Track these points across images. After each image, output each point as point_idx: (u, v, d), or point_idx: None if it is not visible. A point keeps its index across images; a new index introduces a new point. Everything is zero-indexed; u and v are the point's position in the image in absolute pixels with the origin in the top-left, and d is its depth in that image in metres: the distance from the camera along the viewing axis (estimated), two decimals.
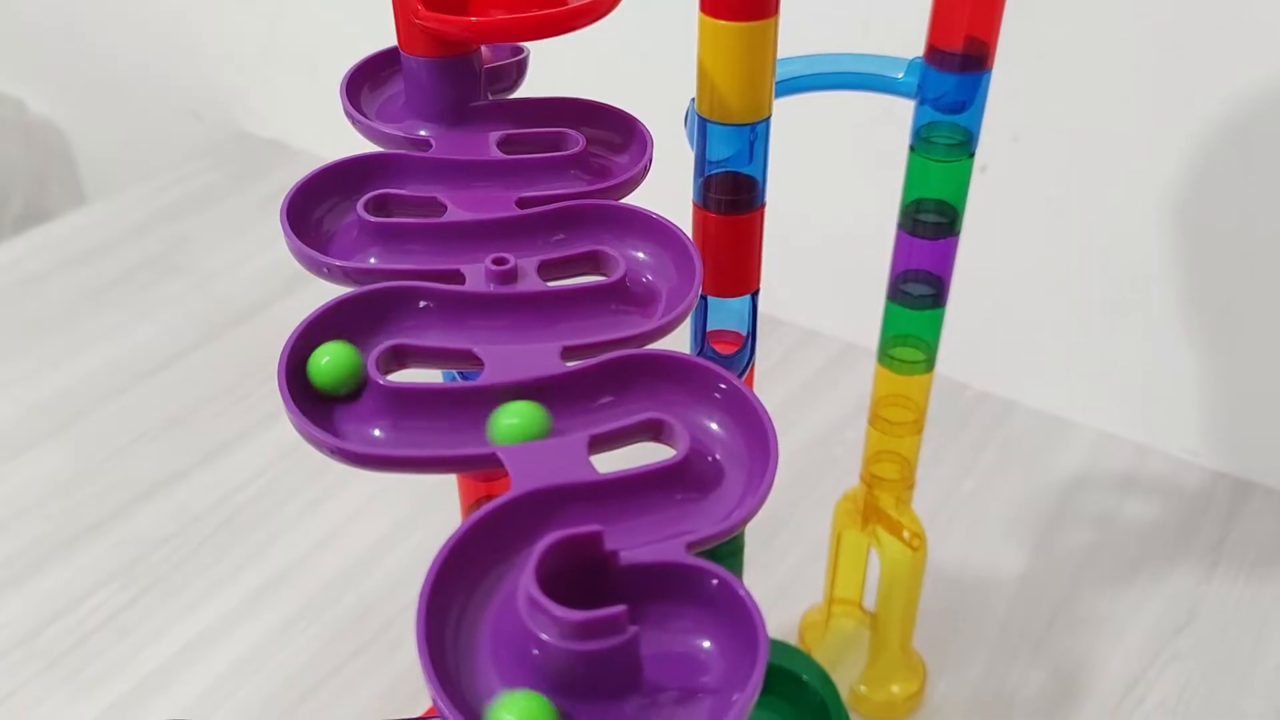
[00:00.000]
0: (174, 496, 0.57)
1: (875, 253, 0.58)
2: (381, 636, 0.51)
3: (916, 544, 0.45)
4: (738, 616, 0.20)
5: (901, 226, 0.40)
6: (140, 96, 0.92)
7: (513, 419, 0.23)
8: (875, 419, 0.44)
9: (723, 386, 0.23)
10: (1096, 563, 0.54)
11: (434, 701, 0.19)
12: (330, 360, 0.23)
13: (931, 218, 0.39)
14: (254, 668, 0.49)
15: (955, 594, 0.53)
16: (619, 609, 0.19)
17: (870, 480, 0.45)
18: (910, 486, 0.45)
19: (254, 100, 0.86)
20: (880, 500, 0.45)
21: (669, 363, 0.23)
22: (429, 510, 0.57)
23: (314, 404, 0.23)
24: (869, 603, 0.50)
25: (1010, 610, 0.52)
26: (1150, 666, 0.50)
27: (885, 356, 0.42)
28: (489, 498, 0.40)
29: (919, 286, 0.41)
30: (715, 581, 0.20)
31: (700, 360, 0.23)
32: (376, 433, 0.23)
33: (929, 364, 0.42)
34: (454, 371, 0.30)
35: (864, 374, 0.63)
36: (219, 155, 0.86)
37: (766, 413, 0.23)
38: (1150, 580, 0.54)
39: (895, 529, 0.45)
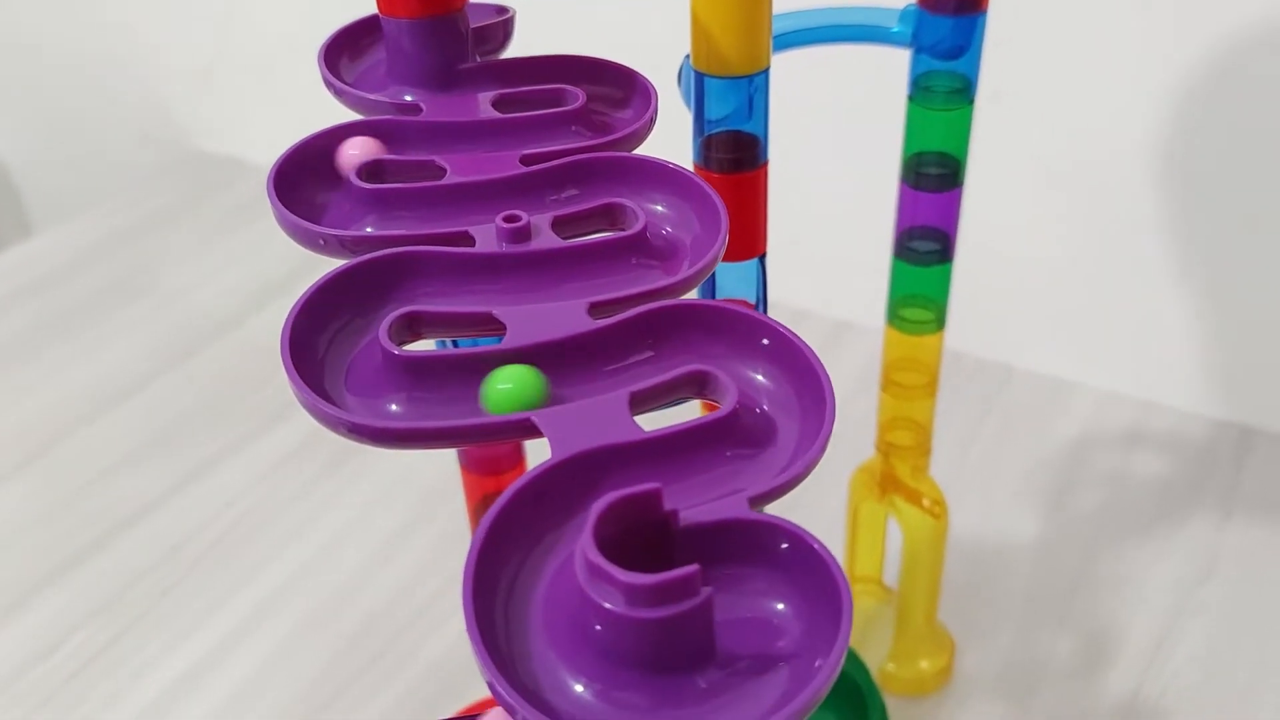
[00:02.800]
0: (154, 524, 0.55)
1: (860, 230, 0.57)
2: (387, 652, 0.49)
3: (938, 511, 0.43)
4: (814, 574, 0.19)
5: (904, 180, 0.38)
6: (84, 123, 0.89)
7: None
8: (888, 384, 0.42)
9: (768, 334, 0.22)
10: (1111, 522, 0.53)
11: (491, 687, 0.17)
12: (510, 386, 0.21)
13: (934, 170, 0.38)
14: (255, 695, 0.47)
15: (974, 565, 0.51)
16: (691, 568, 0.17)
17: (886, 449, 0.43)
18: (926, 453, 0.44)
19: (205, 117, 0.84)
20: (897, 469, 0.44)
21: (708, 313, 0.22)
22: (425, 519, 0.55)
23: (321, 381, 0.21)
24: (889, 580, 0.48)
25: (1031, 577, 0.51)
26: (1176, 621, 0.49)
27: (894, 317, 0.41)
28: (496, 494, 0.38)
29: (925, 243, 0.39)
30: (787, 537, 0.19)
31: (742, 309, 0.22)
32: (393, 407, 0.21)
33: (939, 323, 0.41)
34: (444, 340, 0.28)
35: (858, 351, 0.62)
36: (172, 175, 0.83)
37: (817, 357, 0.21)
38: (1166, 535, 0.52)
39: (914, 498, 0.43)
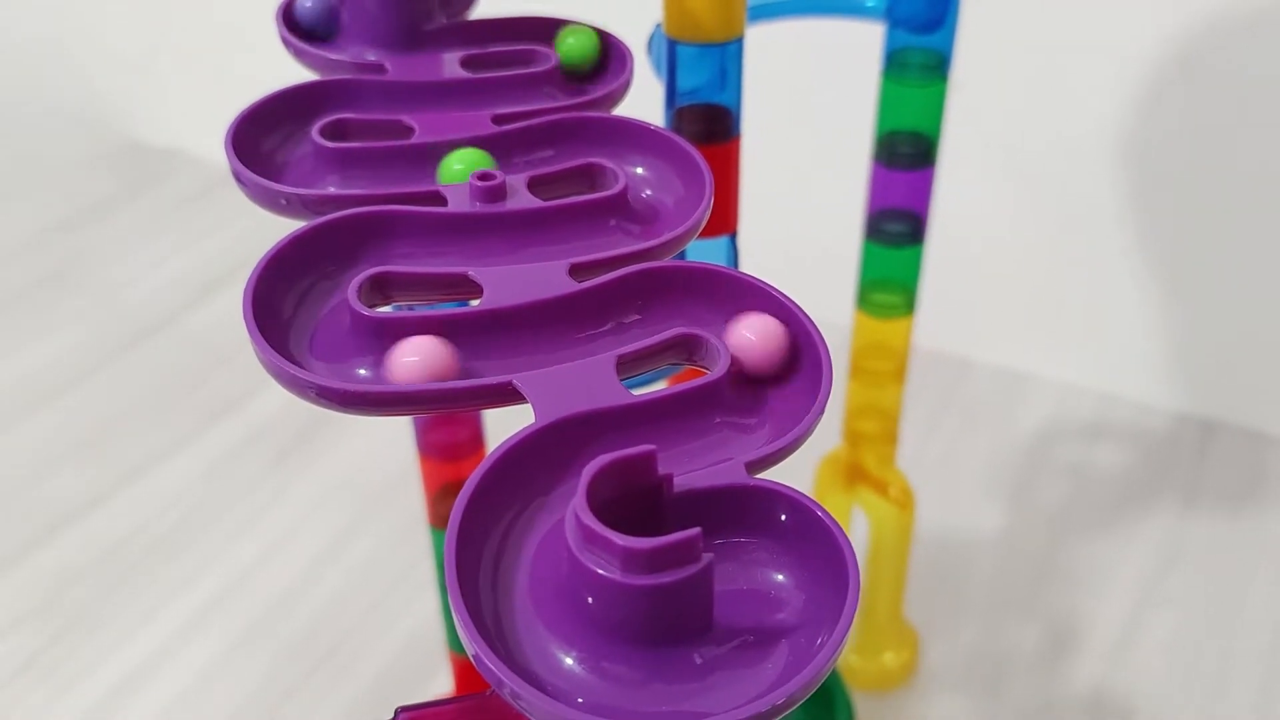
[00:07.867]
0: (90, 524, 0.53)
1: (824, 214, 0.56)
2: (333, 656, 0.47)
3: (905, 501, 0.43)
4: (817, 544, 0.17)
5: (876, 159, 0.37)
6: (17, 110, 0.86)
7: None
8: (856, 371, 0.41)
9: (759, 297, 0.20)
10: (1074, 515, 0.53)
11: (477, 660, 0.16)
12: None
13: (906, 149, 0.37)
14: (196, 701, 0.45)
15: (938, 559, 0.51)
16: (693, 532, 0.16)
17: (853, 438, 0.43)
18: (893, 441, 0.43)
19: (144, 106, 0.81)
20: (864, 459, 0.43)
21: (697, 275, 0.21)
22: (371, 519, 0.53)
23: (286, 344, 0.20)
24: None
25: (995, 570, 0.50)
26: (1141, 612, 0.48)
27: (864, 302, 0.40)
28: (455, 483, 0.36)
29: (897, 224, 0.38)
30: (788, 504, 0.18)
31: (733, 272, 0.21)
32: (361, 372, 0.20)
33: (909, 307, 0.40)
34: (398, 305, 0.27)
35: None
36: (109, 167, 0.80)
37: (812, 320, 0.20)
38: (1129, 527, 0.52)
39: (881, 487, 0.43)
